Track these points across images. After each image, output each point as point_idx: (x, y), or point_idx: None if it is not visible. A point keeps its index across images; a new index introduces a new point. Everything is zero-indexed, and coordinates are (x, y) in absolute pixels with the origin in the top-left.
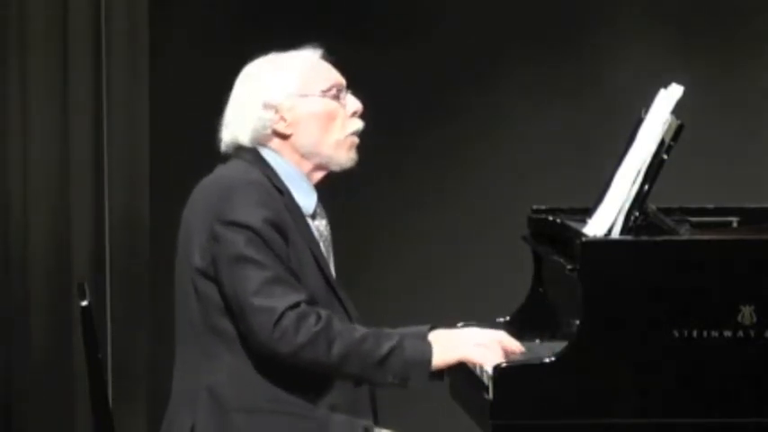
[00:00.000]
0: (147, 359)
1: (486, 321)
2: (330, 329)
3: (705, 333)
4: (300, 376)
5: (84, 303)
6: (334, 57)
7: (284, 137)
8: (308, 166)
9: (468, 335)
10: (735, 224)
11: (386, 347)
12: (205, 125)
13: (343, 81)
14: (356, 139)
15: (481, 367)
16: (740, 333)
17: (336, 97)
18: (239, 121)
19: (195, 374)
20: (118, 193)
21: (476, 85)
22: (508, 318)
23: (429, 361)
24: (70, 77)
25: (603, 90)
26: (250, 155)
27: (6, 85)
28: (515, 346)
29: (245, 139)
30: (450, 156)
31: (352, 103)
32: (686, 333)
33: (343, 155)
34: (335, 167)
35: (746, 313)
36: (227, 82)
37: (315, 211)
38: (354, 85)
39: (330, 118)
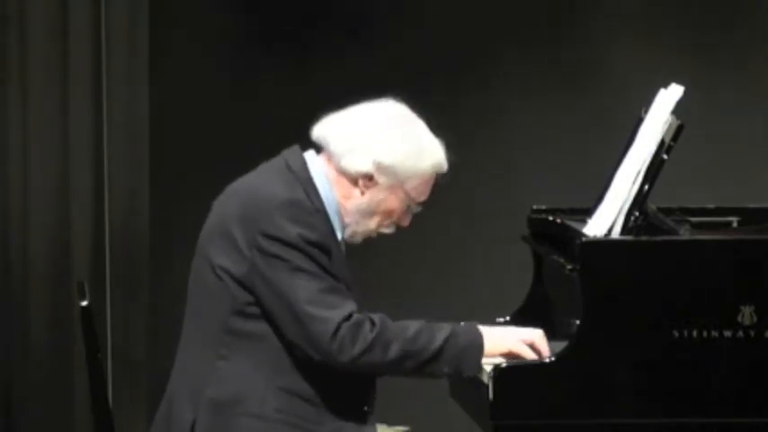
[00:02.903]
0: (147, 359)
1: (487, 321)
2: (385, 333)
3: (705, 333)
4: (310, 389)
5: (84, 303)
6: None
7: (355, 185)
8: (343, 212)
9: (512, 331)
10: (735, 224)
11: (440, 339)
12: (204, 126)
13: (423, 200)
14: (374, 235)
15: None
16: (740, 333)
17: (409, 206)
18: (347, 145)
19: (202, 371)
20: (118, 193)
21: (474, 85)
22: (508, 318)
23: (481, 347)
24: (70, 78)
25: (603, 90)
26: (299, 167)
27: (7, 86)
28: (545, 349)
29: (337, 156)
30: (449, 156)
31: (406, 219)
32: (686, 333)
33: (359, 238)
34: (345, 235)
35: (746, 313)
36: (227, 82)
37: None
38: (351, 84)
39: (388, 214)
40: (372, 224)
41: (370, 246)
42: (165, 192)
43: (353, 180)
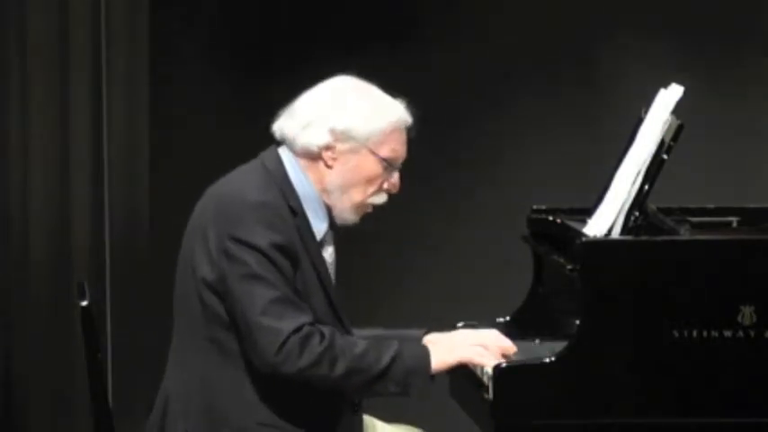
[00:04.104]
0: (147, 359)
1: (486, 321)
2: (333, 348)
3: (705, 333)
4: (296, 401)
5: (84, 303)
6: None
7: (323, 163)
8: (325, 197)
9: (463, 336)
10: (735, 224)
11: (386, 358)
12: (205, 125)
13: (403, 158)
14: (370, 209)
15: (481, 367)
16: (740, 333)
17: (388, 169)
18: (300, 122)
19: (191, 379)
20: (118, 192)
21: (475, 85)
22: (508, 318)
23: (428, 366)
24: (70, 78)
25: (603, 90)
26: (275, 165)
27: (7, 86)
28: (509, 344)
29: (293, 138)
30: (450, 156)
31: (394, 182)
32: (686, 333)
33: (351, 215)
34: (337, 219)
35: (746, 313)
36: (228, 81)
37: (324, 238)
38: None
39: (369, 181)
40: (357, 196)
41: (370, 245)
42: (165, 192)
43: (317, 156)
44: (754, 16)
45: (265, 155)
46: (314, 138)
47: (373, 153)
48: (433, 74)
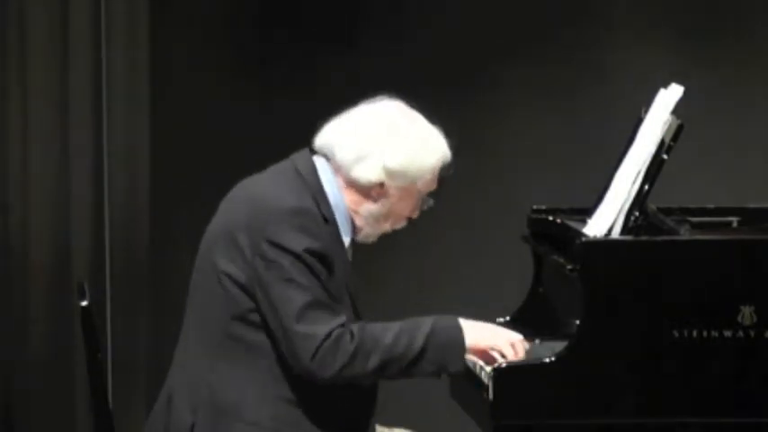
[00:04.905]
0: (147, 359)
1: (486, 321)
2: (364, 345)
3: (705, 333)
4: (308, 398)
5: (84, 303)
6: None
7: (367, 194)
8: (355, 217)
9: (491, 327)
10: (735, 224)
11: (420, 340)
12: (206, 126)
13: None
14: (389, 231)
15: (481, 367)
16: (740, 333)
17: (420, 200)
18: (354, 153)
19: (202, 375)
20: (118, 193)
21: (475, 85)
22: (508, 318)
23: (463, 344)
24: (70, 78)
25: (603, 90)
26: (309, 175)
27: (6, 86)
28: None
29: (346, 167)
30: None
31: (417, 212)
32: (686, 333)
33: (373, 238)
34: (358, 239)
35: (746, 313)
36: (228, 82)
37: (347, 250)
38: (352, 85)
39: (402, 213)
40: (387, 226)
41: (368, 246)
42: (165, 192)
43: (366, 189)
44: (755, 16)
45: (298, 160)
46: (367, 173)
47: (419, 190)
48: (434, 74)
